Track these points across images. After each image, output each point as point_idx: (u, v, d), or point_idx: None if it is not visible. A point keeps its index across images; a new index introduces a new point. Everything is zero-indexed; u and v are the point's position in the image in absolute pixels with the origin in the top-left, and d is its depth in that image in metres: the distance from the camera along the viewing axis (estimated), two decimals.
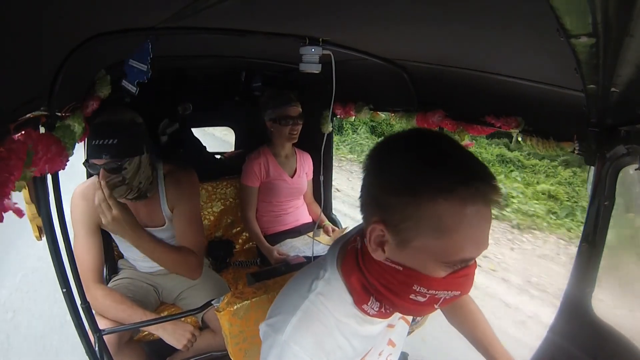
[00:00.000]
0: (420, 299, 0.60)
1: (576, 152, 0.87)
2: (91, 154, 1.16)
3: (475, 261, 0.61)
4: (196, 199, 1.45)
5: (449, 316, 1.04)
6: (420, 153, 0.58)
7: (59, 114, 0.86)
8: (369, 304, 0.66)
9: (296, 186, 1.98)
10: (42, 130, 0.76)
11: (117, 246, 1.64)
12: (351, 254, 0.69)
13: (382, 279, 0.63)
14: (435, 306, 0.63)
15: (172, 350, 1.48)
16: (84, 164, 1.19)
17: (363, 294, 0.66)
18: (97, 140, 1.14)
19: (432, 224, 0.55)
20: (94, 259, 1.29)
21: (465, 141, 1.33)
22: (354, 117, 1.82)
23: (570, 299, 0.85)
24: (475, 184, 0.54)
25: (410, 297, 0.61)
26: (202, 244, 1.42)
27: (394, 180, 0.58)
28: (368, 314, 0.67)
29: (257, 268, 1.94)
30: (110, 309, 1.26)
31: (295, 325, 0.64)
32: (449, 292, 0.60)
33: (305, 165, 2.04)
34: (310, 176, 2.09)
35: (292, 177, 1.97)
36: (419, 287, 0.59)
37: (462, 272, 0.59)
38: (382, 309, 0.67)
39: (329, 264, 0.71)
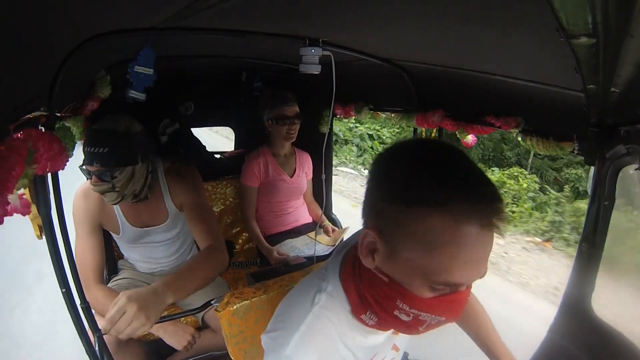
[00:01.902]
0: (404, 317, 0.58)
1: (576, 152, 0.87)
2: (85, 159, 1.17)
3: (468, 288, 0.57)
4: (201, 190, 1.42)
5: None
6: (422, 162, 0.55)
7: (59, 114, 0.86)
8: (367, 314, 0.64)
9: (296, 185, 1.98)
10: (42, 130, 0.76)
11: (117, 246, 1.64)
12: (351, 262, 0.68)
13: (371, 289, 0.61)
14: (420, 329, 0.60)
15: (172, 350, 1.48)
16: (79, 167, 1.19)
17: (360, 304, 0.64)
18: (90, 147, 1.14)
19: (420, 237, 0.52)
20: (95, 259, 1.29)
21: (468, 138, 1.33)
22: (353, 117, 1.82)
23: (570, 299, 0.85)
24: (472, 201, 0.50)
25: (395, 312, 0.58)
26: (219, 233, 1.37)
27: (392, 187, 0.56)
28: (367, 325, 0.65)
29: (257, 268, 1.94)
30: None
31: (299, 341, 0.62)
32: (433, 315, 0.57)
33: (304, 164, 2.04)
34: (310, 176, 2.09)
35: (291, 176, 1.97)
36: (402, 304, 0.56)
37: (449, 297, 0.55)
38: (380, 323, 0.65)
39: (330, 274, 0.70)
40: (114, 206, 1.31)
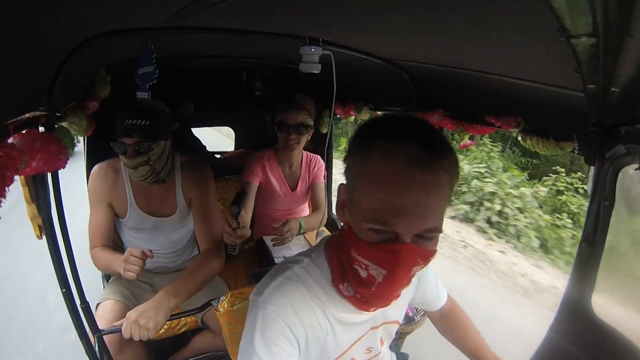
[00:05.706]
0: (362, 272, 0.61)
1: (576, 152, 0.87)
2: (121, 132, 1.22)
3: (408, 245, 0.56)
4: (211, 189, 1.48)
5: (440, 328, 1.05)
6: (382, 120, 0.63)
7: (59, 114, 0.86)
8: (344, 285, 0.68)
9: (295, 199, 1.93)
10: (41, 130, 0.76)
11: (117, 244, 1.64)
12: (335, 237, 0.73)
13: (341, 247, 0.65)
14: (373, 289, 0.61)
15: (173, 350, 1.48)
16: (111, 143, 1.24)
17: (339, 274, 0.68)
18: (130, 120, 1.21)
19: (361, 175, 0.58)
20: (101, 226, 1.38)
21: (465, 141, 1.32)
22: (353, 117, 1.81)
23: (570, 299, 0.85)
24: (400, 141, 0.54)
25: (354, 266, 0.61)
26: (220, 233, 1.41)
27: (353, 140, 0.62)
28: (345, 296, 0.69)
29: (257, 268, 1.93)
30: (105, 261, 1.30)
31: (275, 288, 0.68)
32: (377, 266, 0.59)
33: (312, 172, 1.94)
34: (321, 179, 1.94)
35: (293, 190, 1.90)
36: (355, 253, 0.60)
37: (388, 246, 0.57)
38: (357, 295, 0.67)
39: (318, 247, 0.76)
40: (126, 187, 1.39)
